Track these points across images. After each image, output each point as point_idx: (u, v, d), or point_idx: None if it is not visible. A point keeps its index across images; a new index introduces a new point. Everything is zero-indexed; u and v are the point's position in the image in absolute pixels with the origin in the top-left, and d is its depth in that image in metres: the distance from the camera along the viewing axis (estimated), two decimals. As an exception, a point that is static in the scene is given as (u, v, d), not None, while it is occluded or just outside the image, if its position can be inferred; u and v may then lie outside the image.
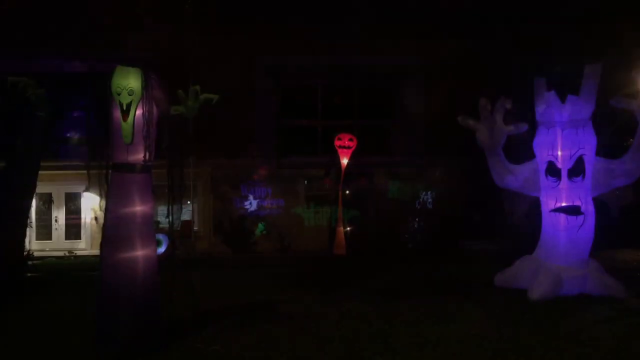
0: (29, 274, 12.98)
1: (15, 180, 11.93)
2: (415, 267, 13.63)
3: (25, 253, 12.99)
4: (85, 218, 19.42)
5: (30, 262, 13.73)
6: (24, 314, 8.92)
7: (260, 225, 19.18)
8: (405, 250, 17.65)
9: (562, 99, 9.44)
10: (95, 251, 18.72)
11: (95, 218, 19.29)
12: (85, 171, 17.43)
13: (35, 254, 15.35)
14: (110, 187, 6.57)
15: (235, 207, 19.64)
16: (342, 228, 15.88)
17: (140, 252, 6.49)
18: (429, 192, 19.34)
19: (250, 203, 19.73)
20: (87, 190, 19.26)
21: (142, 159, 6.43)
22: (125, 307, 6.40)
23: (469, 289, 10.18)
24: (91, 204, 19.34)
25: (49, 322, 8.25)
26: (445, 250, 16.57)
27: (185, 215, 16.65)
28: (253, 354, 6.45)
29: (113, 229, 6.48)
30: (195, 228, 19.43)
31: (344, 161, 16.04)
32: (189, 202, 15.52)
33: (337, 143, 16.06)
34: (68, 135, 17.11)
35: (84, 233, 19.45)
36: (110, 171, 6.60)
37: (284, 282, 11.55)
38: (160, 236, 7.07)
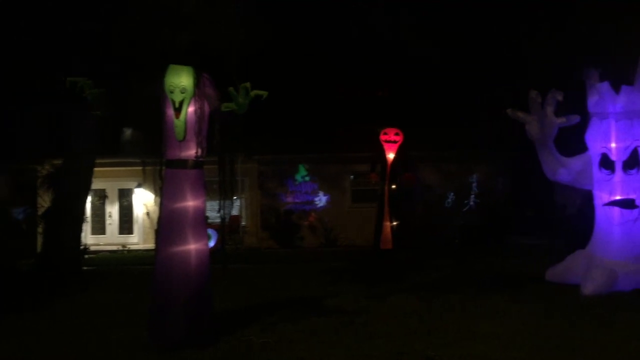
0: (84, 267, 13.47)
1: (72, 177, 12.41)
2: (464, 262, 13.51)
3: (81, 247, 13.50)
4: (137, 213, 20.02)
5: (86, 256, 14.25)
6: (80, 305, 9.26)
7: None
8: (453, 245, 17.51)
9: (616, 90, 9.20)
10: (147, 245, 19.29)
11: (147, 213, 19.84)
12: (137, 168, 17.92)
13: (90, 248, 15.92)
14: (164, 183, 6.73)
15: (282, 202, 19.86)
16: (388, 222, 15.86)
17: (192, 246, 6.63)
18: (477, 187, 19.11)
19: (290, 198, 19.90)
20: (139, 186, 19.85)
21: (194, 155, 6.57)
22: (178, 299, 6.55)
23: (519, 283, 10.03)
24: (143, 200, 19.92)
25: (104, 313, 8.54)
26: (495, 245, 16.36)
27: (234, 211, 16.93)
28: (303, 346, 6.52)
29: (167, 223, 6.64)
30: (243, 223, 19.76)
31: (390, 156, 15.98)
32: (234, 198, 15.75)
33: (382, 137, 16.00)
34: (122, 133, 17.61)
35: (136, 228, 20.05)
36: (163, 167, 6.74)
37: (331, 277, 11.62)
38: (209, 231, 7.24)
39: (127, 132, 17.84)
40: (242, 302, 9.09)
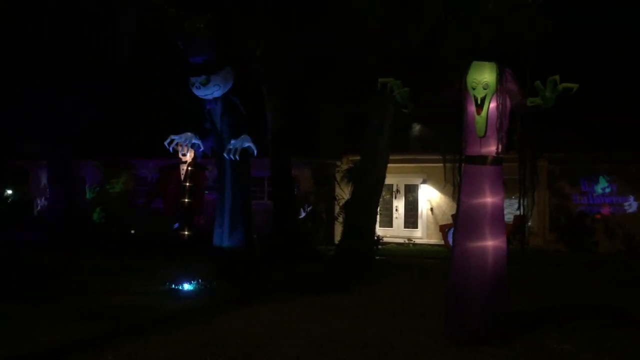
0: (377, 257, 14.40)
1: (368, 172, 13.37)
2: None
3: (375, 238, 14.46)
4: (422, 209, 20.66)
5: (379, 247, 15.22)
6: (377, 291, 9.92)
7: None
8: None
9: None
10: (431, 240, 19.80)
11: (431, 209, 20.35)
12: (423, 164, 18.42)
13: (382, 239, 16.94)
14: (462, 179, 6.84)
15: (574, 203, 18.50)
16: None
17: (490, 243, 6.61)
18: None
19: (584, 199, 18.37)
20: (424, 182, 20.47)
21: (494, 151, 6.54)
22: (474, 294, 6.60)
23: None
24: (427, 196, 20.47)
25: (398, 301, 9.01)
26: None
27: (520, 210, 16.34)
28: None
29: (465, 218, 6.74)
30: (529, 223, 18.91)
31: None
32: (513, 197, 15.17)
33: None
34: (411, 129, 18.39)
35: (420, 223, 20.71)
36: (462, 163, 6.85)
37: (631, 287, 10.49)
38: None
39: (416, 128, 18.56)
40: (536, 304, 8.77)
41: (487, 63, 6.48)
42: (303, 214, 17.75)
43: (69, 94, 18.08)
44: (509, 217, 11.45)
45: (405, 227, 20.81)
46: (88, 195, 21.76)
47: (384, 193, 15.88)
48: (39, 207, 21.75)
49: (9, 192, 22.50)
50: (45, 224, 18.93)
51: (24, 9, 15.07)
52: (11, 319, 7.40)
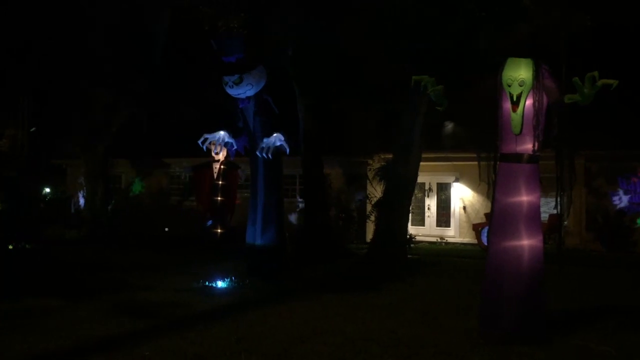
0: (409, 256, 14.32)
1: (400, 170, 13.29)
2: None
3: (407, 237, 14.37)
4: (454, 207, 20.48)
5: (411, 245, 15.13)
6: (410, 289, 9.88)
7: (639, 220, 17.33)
8: None
9: None
10: (463, 239, 19.60)
11: (464, 208, 20.15)
12: (455, 163, 18.24)
13: (415, 238, 16.83)
14: (497, 177, 6.75)
15: (612, 202, 18.11)
16: None
17: (526, 242, 6.52)
18: None
19: (622, 197, 17.94)
20: (456, 180, 20.27)
21: (530, 149, 6.44)
22: (510, 294, 6.51)
23: None
24: (460, 194, 20.28)
25: (432, 300, 8.96)
26: None
27: (555, 209, 16.06)
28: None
29: (500, 217, 6.65)
30: (565, 222, 18.56)
31: None
32: (549, 196, 14.91)
33: None
34: (443, 127, 18.21)
35: (453, 222, 20.53)
36: (497, 162, 6.76)
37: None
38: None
39: (448, 126, 18.38)
40: (573, 304, 8.63)
41: (523, 59, 6.39)
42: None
43: (104, 93, 18.44)
44: (544, 215, 11.27)
45: (437, 225, 20.67)
46: (122, 193, 22.16)
47: (416, 191, 15.77)
48: (76, 205, 22.22)
49: (47, 190, 23.03)
50: (82, 221, 19.34)
51: (56, 8, 15.35)
52: (51, 313, 7.58)
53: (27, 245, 14.77)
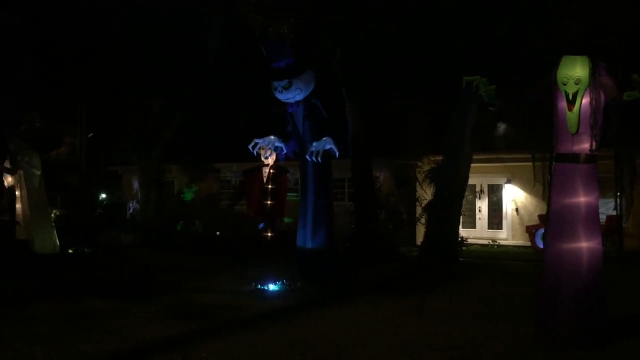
0: (460, 259, 14.12)
1: (451, 173, 13.15)
2: None
3: (459, 239, 14.20)
4: (506, 209, 20.06)
5: (462, 248, 14.92)
6: (462, 293, 9.74)
7: None
8: None
9: None
10: (516, 242, 19.18)
11: (516, 209, 19.73)
12: (507, 164, 17.87)
13: (467, 240, 16.58)
14: (553, 178, 6.60)
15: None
16: None
17: (584, 244, 6.34)
18: None
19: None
20: (509, 182, 19.86)
21: (588, 148, 6.27)
22: (568, 298, 6.34)
23: None
24: (512, 196, 19.86)
25: (485, 304, 8.81)
26: None
27: (613, 210, 15.55)
28: None
29: (556, 219, 6.49)
30: (624, 224, 17.93)
31: None
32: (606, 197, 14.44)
33: None
34: (495, 128, 17.90)
35: (505, 224, 20.11)
36: (553, 162, 6.61)
37: None
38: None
39: (500, 127, 18.05)
40: (634, 308, 8.33)
41: (578, 57, 6.22)
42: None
43: (158, 100, 18.94)
44: (602, 217, 10.92)
45: (489, 228, 20.30)
46: (175, 198, 22.63)
47: (467, 193, 15.55)
48: (131, 210, 22.83)
49: (104, 195, 23.73)
50: (137, 225, 19.86)
51: (111, 18, 15.85)
52: (108, 315, 7.82)
53: (86, 250, 15.31)
